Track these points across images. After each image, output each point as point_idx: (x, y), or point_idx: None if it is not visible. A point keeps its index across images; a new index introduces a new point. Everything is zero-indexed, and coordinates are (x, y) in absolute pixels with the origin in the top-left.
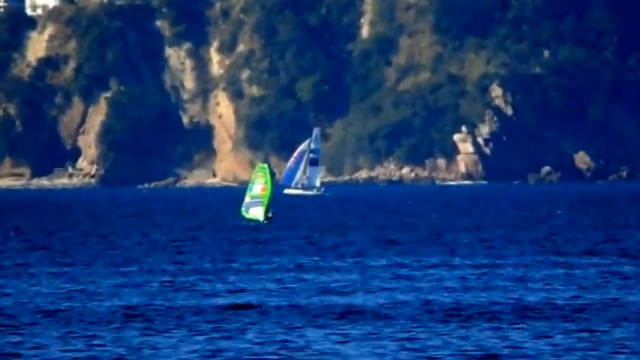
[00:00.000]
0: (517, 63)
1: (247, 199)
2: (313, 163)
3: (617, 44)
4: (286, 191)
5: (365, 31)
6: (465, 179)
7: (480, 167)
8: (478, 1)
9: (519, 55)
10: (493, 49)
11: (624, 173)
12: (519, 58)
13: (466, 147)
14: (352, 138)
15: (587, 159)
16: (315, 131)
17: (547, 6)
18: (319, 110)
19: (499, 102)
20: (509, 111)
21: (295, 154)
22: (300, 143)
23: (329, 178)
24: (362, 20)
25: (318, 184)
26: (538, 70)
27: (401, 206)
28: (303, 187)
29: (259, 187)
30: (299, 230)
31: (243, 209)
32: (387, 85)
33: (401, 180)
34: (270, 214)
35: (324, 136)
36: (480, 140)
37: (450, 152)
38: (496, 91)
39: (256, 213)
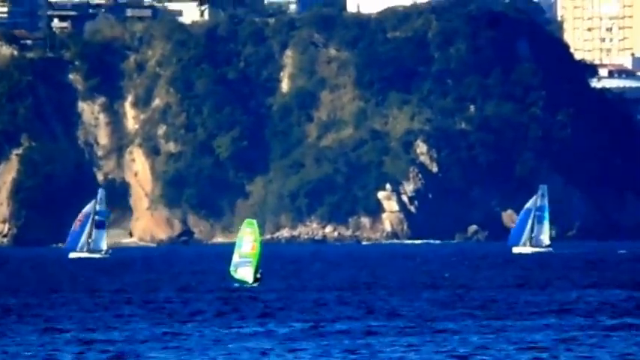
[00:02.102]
0: (442, 119)
1: (236, 257)
2: (99, 225)
3: (545, 99)
4: (71, 255)
5: (285, 85)
6: (390, 238)
7: (405, 226)
8: (401, 55)
9: (444, 110)
10: (417, 104)
11: (553, 232)
12: (444, 114)
13: (391, 205)
14: (273, 196)
15: (515, 217)
16: (100, 192)
17: (472, 60)
18: (238, 167)
19: (424, 159)
20: (434, 168)
21: (80, 217)
22: (221, 201)
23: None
24: (282, 74)
25: (104, 246)
26: (463, 125)
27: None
28: (89, 251)
29: (248, 245)
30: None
31: (232, 268)
32: (308, 141)
33: (324, 239)
34: (259, 275)
35: (245, 194)
36: (405, 198)
37: (375, 210)
38: (421, 147)
39: (245, 274)
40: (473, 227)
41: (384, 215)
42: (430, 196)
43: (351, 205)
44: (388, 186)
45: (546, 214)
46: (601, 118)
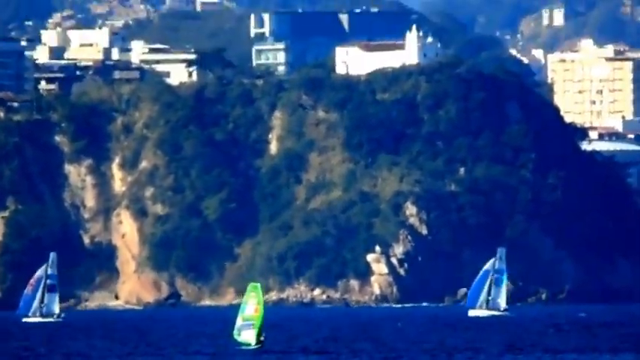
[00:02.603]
0: (431, 180)
1: (239, 321)
2: (51, 289)
3: (535, 162)
4: (25, 319)
5: (273, 147)
6: (379, 301)
7: (394, 289)
8: (390, 117)
9: (434, 172)
10: (406, 165)
11: (544, 295)
12: (434, 176)
13: (380, 268)
14: (261, 258)
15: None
16: (52, 256)
17: (462, 122)
18: (226, 229)
19: (413, 221)
20: (423, 230)
21: (32, 282)
22: (209, 263)
23: (237, 300)
24: (270, 136)
25: (56, 310)
26: (453, 187)
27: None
28: (42, 315)
29: (252, 308)
30: None
31: (235, 332)
32: (296, 203)
33: (312, 302)
34: (262, 338)
35: (233, 256)
36: (395, 261)
37: (364, 273)
38: (410, 209)
39: (248, 337)
40: (462, 290)
41: (373, 278)
42: (420, 258)
43: (340, 267)
44: (378, 248)
45: (504, 277)
46: (591, 181)
